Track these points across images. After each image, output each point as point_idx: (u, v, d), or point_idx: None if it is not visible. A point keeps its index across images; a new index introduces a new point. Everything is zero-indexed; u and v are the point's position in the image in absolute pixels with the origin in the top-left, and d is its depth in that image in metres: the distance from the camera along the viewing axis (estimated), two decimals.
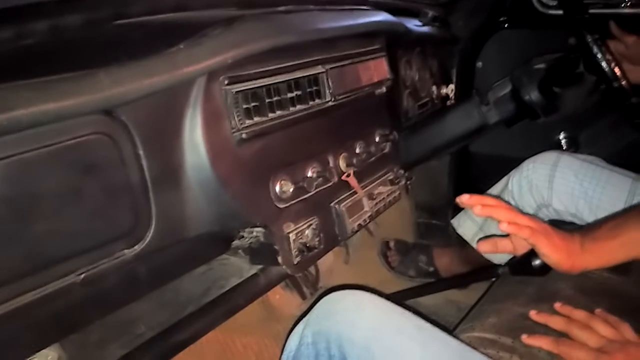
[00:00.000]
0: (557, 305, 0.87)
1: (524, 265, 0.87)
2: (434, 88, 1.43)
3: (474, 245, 1.46)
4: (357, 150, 0.96)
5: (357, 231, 0.94)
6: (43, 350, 0.79)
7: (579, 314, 0.83)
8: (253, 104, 0.72)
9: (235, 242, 0.80)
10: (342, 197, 0.92)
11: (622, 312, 0.84)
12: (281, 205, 0.78)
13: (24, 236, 0.50)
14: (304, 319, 0.77)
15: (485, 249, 0.88)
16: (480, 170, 1.86)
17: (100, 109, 0.55)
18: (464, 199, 0.81)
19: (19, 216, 0.50)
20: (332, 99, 0.87)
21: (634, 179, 1.15)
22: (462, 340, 0.78)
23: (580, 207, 1.19)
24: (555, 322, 0.83)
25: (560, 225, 0.93)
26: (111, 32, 0.68)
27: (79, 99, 0.51)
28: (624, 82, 1.19)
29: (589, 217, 1.18)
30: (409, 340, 0.69)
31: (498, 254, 1.37)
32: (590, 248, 0.82)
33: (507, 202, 1.21)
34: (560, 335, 0.81)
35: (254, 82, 0.73)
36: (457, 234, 1.53)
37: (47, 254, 0.53)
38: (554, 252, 0.80)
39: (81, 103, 0.51)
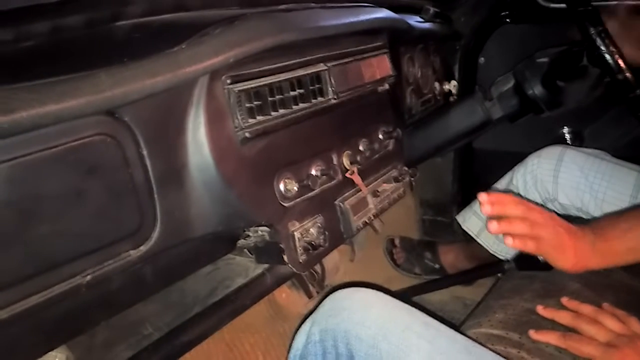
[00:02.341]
0: (564, 300, 0.87)
1: (529, 260, 0.87)
2: (437, 84, 1.42)
3: (480, 240, 1.46)
4: (361, 148, 0.96)
5: (362, 229, 0.94)
6: (51, 352, 0.79)
7: (586, 309, 0.83)
8: (256, 102, 0.72)
9: (241, 242, 0.80)
10: (347, 194, 0.91)
11: (630, 306, 0.83)
12: (286, 204, 0.78)
13: (29, 238, 0.50)
14: (311, 317, 0.77)
15: (495, 230, 0.87)
16: (484, 166, 1.86)
17: (102, 110, 0.55)
18: (483, 198, 0.79)
19: (23, 218, 0.50)
20: (335, 97, 0.87)
21: (639, 173, 1.15)
22: (469, 337, 0.77)
23: (586, 201, 1.18)
24: (563, 317, 0.83)
25: (566, 219, 0.92)
26: (112, 33, 0.68)
27: (81, 100, 0.51)
28: (628, 74, 1.18)
29: (594, 211, 1.17)
30: (417, 337, 0.69)
31: (503, 249, 1.38)
32: (601, 248, 0.81)
33: None
34: (568, 330, 0.81)
35: (256, 80, 0.72)
36: (463, 229, 1.53)
37: (53, 256, 0.53)
38: (560, 260, 0.80)
39: (83, 104, 0.51)
